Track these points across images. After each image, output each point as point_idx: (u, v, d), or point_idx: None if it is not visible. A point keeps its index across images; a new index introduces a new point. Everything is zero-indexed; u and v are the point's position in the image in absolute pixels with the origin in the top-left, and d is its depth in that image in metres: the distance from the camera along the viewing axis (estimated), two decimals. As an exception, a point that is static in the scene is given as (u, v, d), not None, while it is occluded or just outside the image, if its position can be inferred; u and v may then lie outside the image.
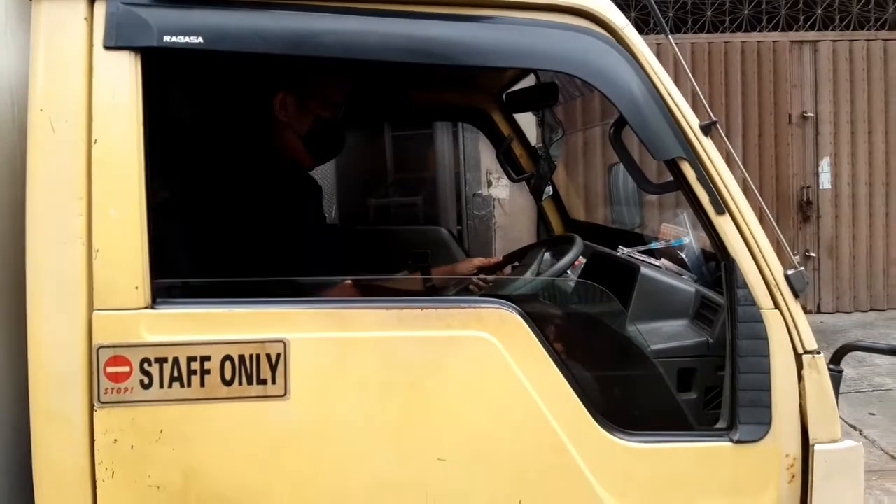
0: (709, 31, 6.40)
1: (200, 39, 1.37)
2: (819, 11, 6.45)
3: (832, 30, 6.49)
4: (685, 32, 6.35)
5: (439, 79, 2.42)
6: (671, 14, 6.29)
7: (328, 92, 1.81)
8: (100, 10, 1.37)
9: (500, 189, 5.94)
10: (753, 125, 6.39)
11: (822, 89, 6.43)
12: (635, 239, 2.29)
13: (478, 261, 2.31)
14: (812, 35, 6.45)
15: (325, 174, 4.86)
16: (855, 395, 4.62)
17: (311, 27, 1.42)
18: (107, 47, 1.36)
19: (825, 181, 6.51)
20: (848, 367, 4.93)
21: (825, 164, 6.50)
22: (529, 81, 2.56)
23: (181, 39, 1.37)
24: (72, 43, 1.36)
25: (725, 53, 6.34)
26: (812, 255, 6.50)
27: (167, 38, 1.36)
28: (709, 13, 6.37)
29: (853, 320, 6.34)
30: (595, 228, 2.78)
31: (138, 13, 1.37)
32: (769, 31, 6.46)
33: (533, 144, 2.85)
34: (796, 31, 6.47)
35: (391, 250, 2.96)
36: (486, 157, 5.75)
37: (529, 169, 2.74)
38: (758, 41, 6.38)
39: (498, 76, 2.51)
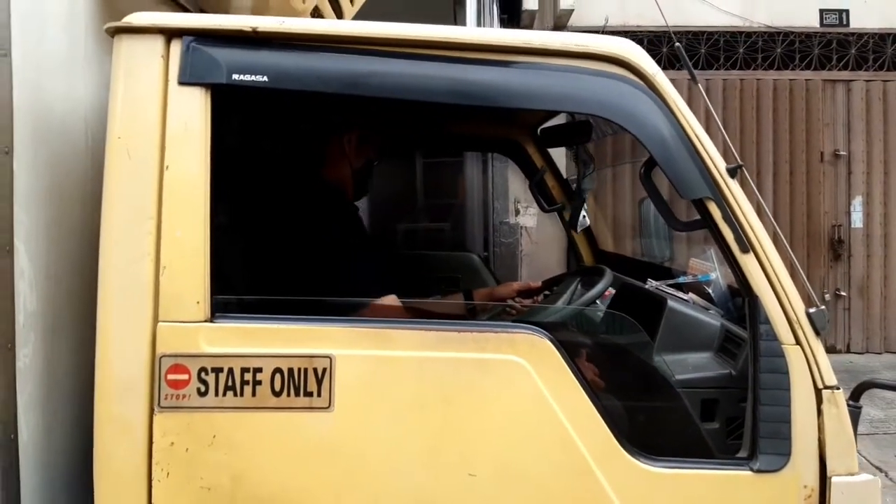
0: (741, 69, 6.49)
1: (265, 78, 1.51)
2: (853, 51, 6.51)
3: (866, 70, 6.54)
4: (717, 69, 6.45)
5: (479, 114, 2.55)
6: (703, 50, 6.39)
7: (378, 136, 2.00)
8: (175, 49, 1.52)
9: (528, 218, 6.04)
10: (785, 163, 6.43)
11: (855, 128, 6.46)
12: (664, 272, 2.37)
13: (517, 284, 2.42)
14: (845, 74, 6.51)
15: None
16: (882, 436, 4.59)
17: (365, 69, 1.55)
18: (181, 83, 1.50)
19: (857, 220, 6.52)
20: (875, 408, 4.92)
21: (857, 203, 6.51)
22: (563, 118, 2.68)
23: (248, 78, 1.51)
24: (149, 78, 1.50)
25: (758, 90, 6.42)
26: (843, 294, 6.48)
27: (235, 77, 1.50)
28: (741, 50, 6.46)
29: (883, 361, 6.29)
30: (624, 260, 2.86)
31: (210, 53, 1.51)
32: (802, 69, 6.52)
33: (565, 177, 2.96)
34: (829, 70, 6.53)
35: (423, 274, 3.07)
36: (514, 185, 5.86)
37: (561, 200, 2.84)
38: (790, 79, 6.45)
39: (534, 113, 2.63)
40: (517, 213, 6.05)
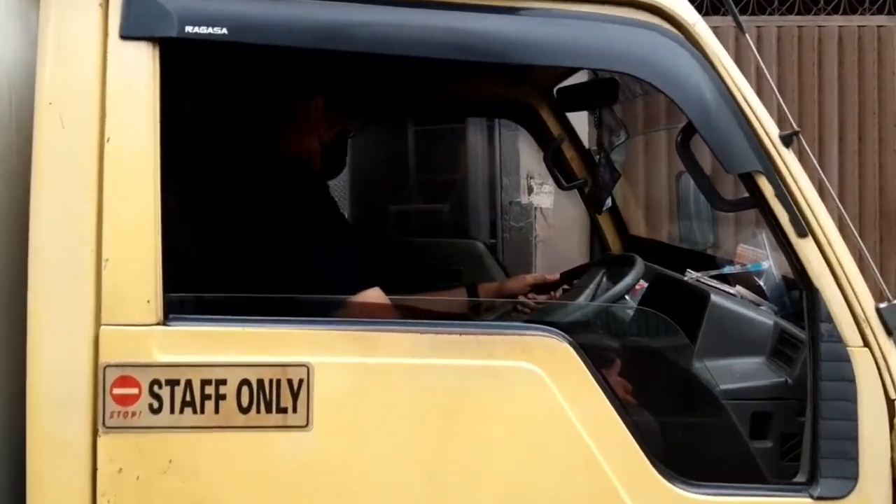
0: (799, 13, 6.46)
1: (225, 30, 1.52)
2: (936, -9, 6.49)
3: (952, 11, 6.53)
4: (771, 13, 6.42)
5: (483, 73, 2.55)
6: (754, -8, 6.37)
7: (349, 103, 2.00)
8: (116, -4, 1.52)
9: (543, 197, 6.03)
10: (852, 128, 6.41)
11: (938, 85, 6.46)
12: (706, 261, 2.38)
13: (531, 277, 2.44)
14: (927, 19, 6.50)
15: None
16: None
17: (345, 18, 1.56)
18: (123, 37, 1.51)
19: (939, 195, 6.53)
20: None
21: (940, 175, 6.51)
22: (584, 75, 2.69)
23: (204, 30, 1.51)
24: (85, 31, 1.50)
25: (819, 40, 6.39)
26: (922, 286, 6.51)
27: (189, 29, 1.51)
28: (800, -10, 6.44)
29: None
30: (659, 247, 2.88)
31: (158, 0, 1.52)
32: (873, 13, 6.50)
33: (587, 147, 2.97)
34: (907, 13, 6.51)
35: (417, 265, 3.08)
36: (527, 158, 5.85)
37: (582, 175, 2.85)
38: (859, 25, 6.42)
39: (550, 70, 2.63)
40: (530, 191, 6.05)
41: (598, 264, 2.38)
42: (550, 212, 5.98)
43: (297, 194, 1.89)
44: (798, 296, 1.96)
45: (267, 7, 1.55)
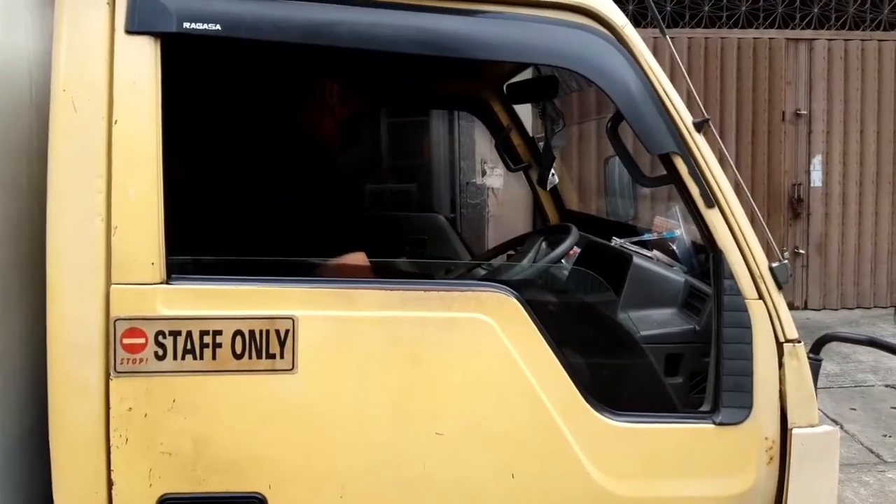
0: (706, 27, 6.47)
1: (218, 27, 1.44)
2: (815, 10, 6.54)
3: (828, 29, 6.58)
4: (682, 27, 6.42)
5: (441, 68, 2.49)
6: (669, 9, 6.36)
7: (362, 86, 1.92)
8: (122, -5, 1.43)
9: (495, 178, 6.01)
10: (747, 122, 6.48)
11: (817, 88, 6.53)
12: (629, 230, 2.37)
13: None
14: (808, 33, 6.54)
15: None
16: (837, 389, 4.76)
17: (325, 17, 1.49)
18: (128, 32, 1.43)
19: (816, 179, 6.63)
20: (831, 362, 5.09)
21: (817, 163, 6.61)
22: (530, 73, 2.64)
23: (199, 26, 1.44)
24: (94, 27, 1.42)
25: (722, 49, 6.43)
26: (801, 251, 6.62)
27: (187, 25, 1.43)
28: (706, 8, 6.44)
29: (839, 317, 6.49)
30: (590, 219, 2.86)
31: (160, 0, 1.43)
32: (766, 28, 6.54)
33: (531, 135, 2.93)
34: (792, 28, 6.56)
35: (389, 236, 3.03)
36: (481, 145, 5.82)
37: (527, 159, 2.81)
38: (754, 38, 6.46)
39: (499, 67, 2.58)
40: (484, 173, 6.02)
41: (538, 233, 2.35)
42: (500, 191, 5.97)
43: (300, 172, 1.82)
44: (704, 258, 1.96)
45: (257, 6, 1.48)
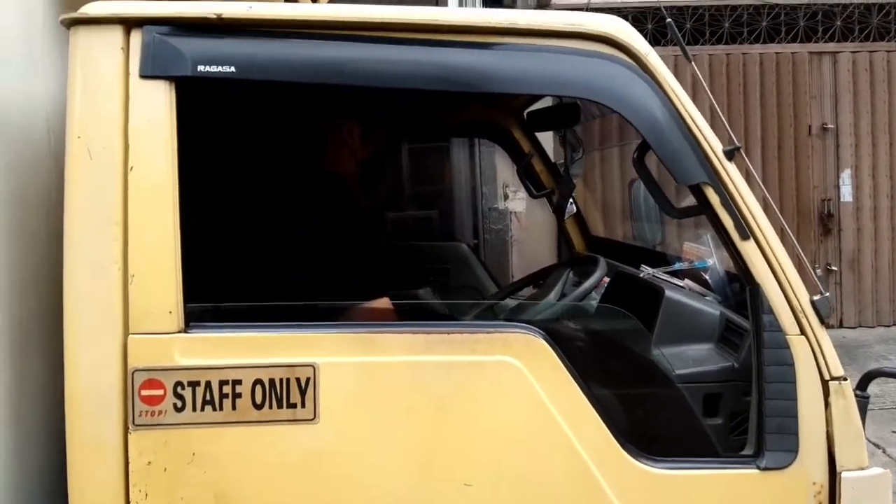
0: (727, 43, 6.40)
1: (233, 69, 1.41)
2: (838, 23, 6.43)
3: (851, 41, 6.47)
4: (703, 44, 6.35)
5: (463, 98, 2.45)
6: (688, 25, 6.29)
7: (382, 127, 1.90)
8: (136, 40, 1.42)
9: (517, 202, 5.96)
10: (773, 137, 6.37)
11: (842, 101, 6.40)
12: (657, 257, 2.30)
13: None
14: (831, 46, 6.43)
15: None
16: (878, 412, 4.58)
17: (341, 56, 1.46)
18: (142, 76, 1.41)
19: (846, 193, 6.47)
20: (872, 384, 4.91)
21: (846, 177, 6.46)
22: (551, 100, 2.59)
23: (214, 69, 1.41)
24: (109, 72, 1.41)
25: (744, 65, 6.34)
26: (834, 268, 6.45)
27: (201, 68, 1.41)
28: (727, 24, 6.37)
29: (876, 335, 6.29)
30: (616, 245, 2.79)
31: (173, 43, 1.41)
32: (788, 42, 6.44)
33: (553, 161, 2.87)
34: (815, 42, 6.45)
35: (411, 266, 2.99)
36: (503, 170, 5.77)
37: (549, 185, 2.76)
38: (776, 52, 6.37)
39: (520, 96, 2.53)
40: (506, 197, 5.97)
41: (563, 265, 2.29)
42: (523, 215, 5.91)
43: (317, 206, 1.79)
44: (739, 287, 1.88)
45: (269, 47, 1.45)
